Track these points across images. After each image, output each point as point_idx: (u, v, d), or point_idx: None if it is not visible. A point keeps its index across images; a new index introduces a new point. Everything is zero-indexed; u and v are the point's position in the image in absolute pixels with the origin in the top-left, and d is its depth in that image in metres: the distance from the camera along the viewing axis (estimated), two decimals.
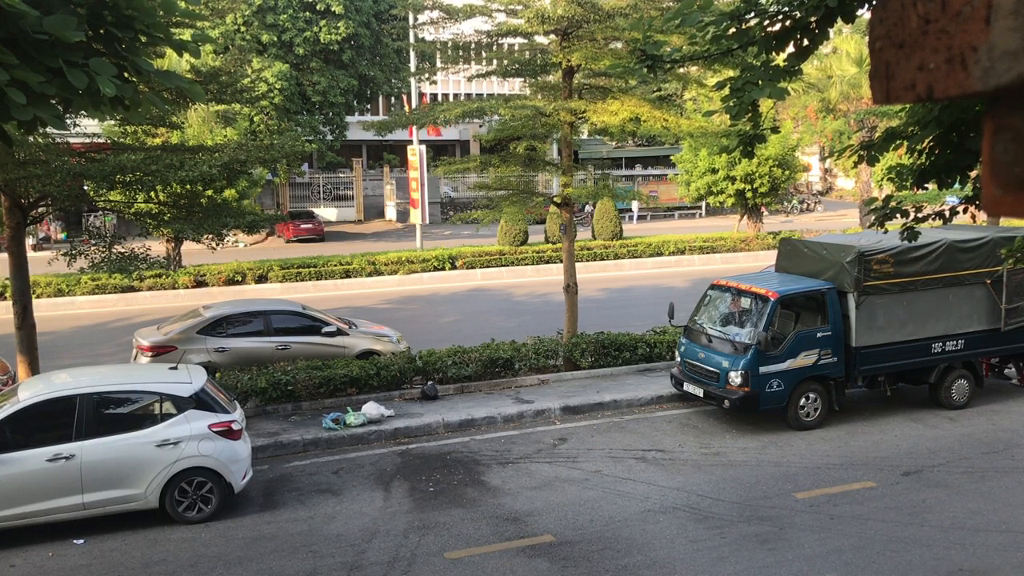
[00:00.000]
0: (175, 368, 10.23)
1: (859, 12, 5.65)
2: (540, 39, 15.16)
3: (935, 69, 0.93)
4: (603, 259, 29.05)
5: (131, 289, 23.51)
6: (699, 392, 12.65)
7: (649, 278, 26.86)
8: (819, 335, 12.31)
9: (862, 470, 10.84)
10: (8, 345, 14.17)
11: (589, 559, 8.51)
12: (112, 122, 15.59)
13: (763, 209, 33.23)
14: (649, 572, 8.24)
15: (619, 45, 14.01)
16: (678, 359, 13.44)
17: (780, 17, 5.43)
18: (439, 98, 43.29)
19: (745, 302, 12.77)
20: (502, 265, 27.99)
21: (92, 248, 13.65)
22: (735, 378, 12.04)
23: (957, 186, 7.00)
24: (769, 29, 5.53)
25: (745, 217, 33.01)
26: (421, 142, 31.59)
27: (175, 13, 5.35)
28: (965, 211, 7.80)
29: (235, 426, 9.68)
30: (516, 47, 16.30)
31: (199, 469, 9.40)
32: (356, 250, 30.03)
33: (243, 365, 13.45)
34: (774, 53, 5.60)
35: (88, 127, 14.87)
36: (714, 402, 12.52)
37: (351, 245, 34.87)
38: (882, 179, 11.85)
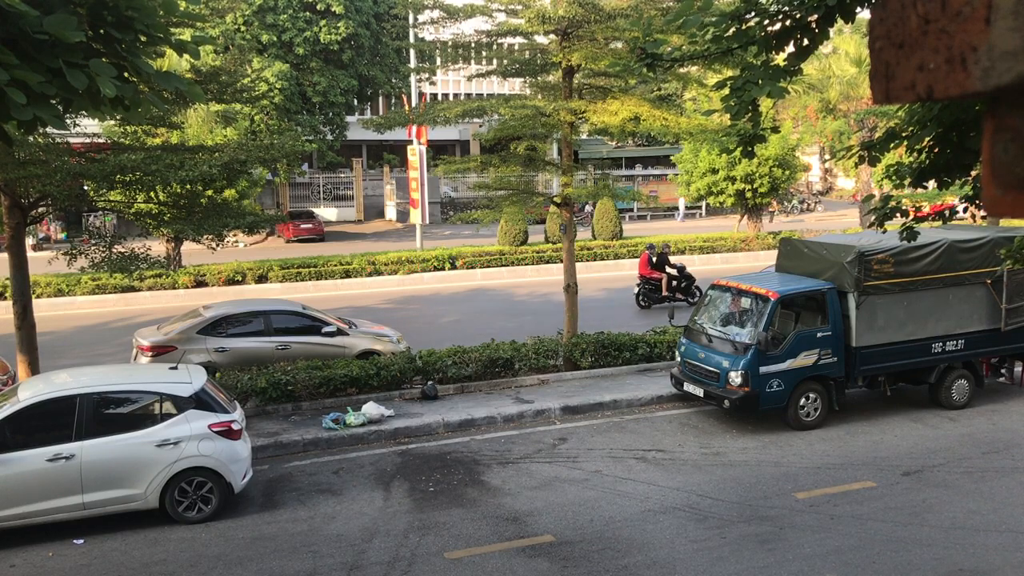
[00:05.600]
0: (175, 368, 10.23)
1: (859, 12, 5.65)
2: (540, 39, 15.15)
3: (935, 69, 0.93)
4: (603, 259, 29.04)
5: (131, 289, 23.51)
6: (699, 392, 12.65)
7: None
8: (819, 335, 12.31)
9: (862, 470, 10.84)
10: (8, 345, 14.17)
11: (589, 559, 8.51)
12: (112, 122, 15.58)
13: (775, 206, 33.03)
14: (649, 572, 8.24)
15: (619, 45, 14.01)
16: (678, 359, 13.44)
17: (780, 17, 5.43)
18: (439, 98, 43.31)
19: (745, 302, 12.78)
20: (502, 265, 27.98)
21: (92, 248, 13.65)
22: (735, 378, 12.04)
23: (956, 187, 7.01)
24: (769, 29, 5.53)
25: (745, 217, 33.00)
26: (428, 142, 31.55)
27: (175, 13, 5.34)
28: (965, 211, 7.81)
29: (235, 426, 9.68)
30: (516, 47, 16.29)
31: (199, 469, 9.40)
32: (356, 250, 30.02)
33: (243, 365, 13.45)
34: (774, 53, 5.60)
35: (88, 127, 14.86)
36: (714, 402, 12.52)
37: (351, 245, 34.86)
38: (881, 179, 11.85)
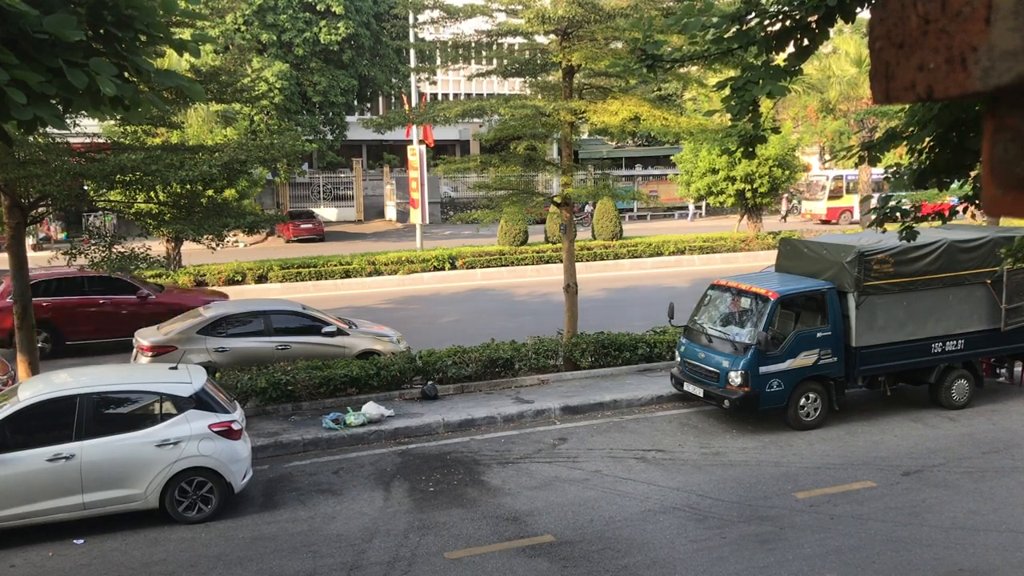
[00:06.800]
0: (175, 368, 10.23)
1: (859, 12, 5.65)
2: (540, 39, 15.16)
3: (935, 69, 0.93)
4: (603, 259, 29.04)
5: None
6: (699, 392, 12.65)
7: (649, 278, 26.86)
8: (819, 335, 12.31)
9: (862, 470, 10.85)
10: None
11: (589, 559, 8.51)
12: (112, 122, 15.59)
13: (786, 204, 32.82)
14: (649, 572, 8.25)
15: (619, 45, 14.02)
16: (678, 359, 13.44)
17: (780, 17, 5.43)
18: (439, 98, 43.29)
19: (745, 302, 12.78)
20: (502, 265, 27.97)
21: (92, 248, 13.65)
22: (735, 378, 12.04)
23: (955, 186, 7.00)
24: (769, 29, 5.53)
25: (745, 217, 33.00)
26: (420, 142, 31.58)
27: (175, 13, 5.34)
28: (965, 211, 7.80)
29: (235, 426, 9.68)
30: (516, 47, 16.29)
31: (199, 469, 9.40)
32: (356, 250, 30.01)
33: (243, 365, 13.45)
34: (774, 53, 5.60)
35: (88, 127, 14.86)
36: (714, 402, 12.53)
37: (351, 245, 34.85)
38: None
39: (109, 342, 17.09)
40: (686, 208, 46.75)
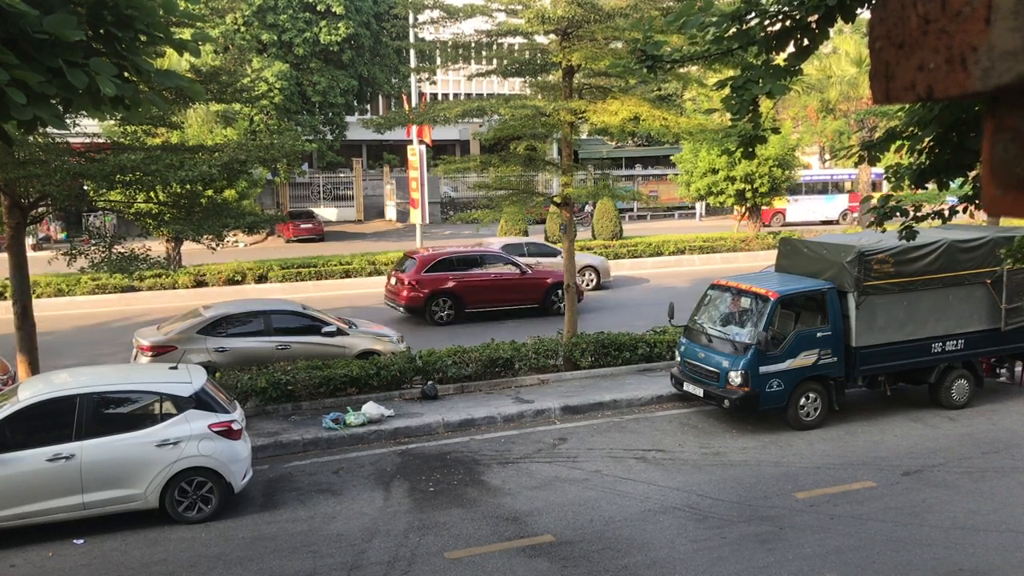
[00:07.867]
0: (175, 368, 10.23)
1: (859, 12, 5.65)
2: (540, 39, 15.15)
3: (935, 69, 0.93)
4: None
5: (131, 289, 23.48)
6: (699, 392, 12.65)
7: (649, 278, 26.86)
8: (819, 335, 12.32)
9: (862, 470, 10.85)
10: (8, 345, 14.16)
11: (589, 559, 8.51)
12: (112, 122, 15.59)
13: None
14: (649, 572, 8.25)
15: (619, 45, 14.01)
16: (678, 359, 13.44)
17: (780, 17, 5.43)
18: (439, 98, 43.28)
19: (745, 302, 12.78)
20: None
21: (92, 248, 13.64)
22: (735, 378, 12.04)
23: (955, 185, 7.00)
24: (769, 29, 5.53)
25: (745, 217, 33.00)
26: (421, 142, 31.56)
27: (175, 13, 5.34)
28: (965, 211, 7.80)
29: (235, 426, 9.68)
30: (516, 47, 16.29)
31: (199, 469, 9.40)
32: (356, 250, 30.01)
33: (243, 365, 13.45)
34: (774, 53, 5.60)
35: (88, 127, 14.85)
36: (714, 402, 12.53)
37: (351, 245, 34.85)
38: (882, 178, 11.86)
39: (497, 310, 20.36)
40: (686, 208, 46.74)
